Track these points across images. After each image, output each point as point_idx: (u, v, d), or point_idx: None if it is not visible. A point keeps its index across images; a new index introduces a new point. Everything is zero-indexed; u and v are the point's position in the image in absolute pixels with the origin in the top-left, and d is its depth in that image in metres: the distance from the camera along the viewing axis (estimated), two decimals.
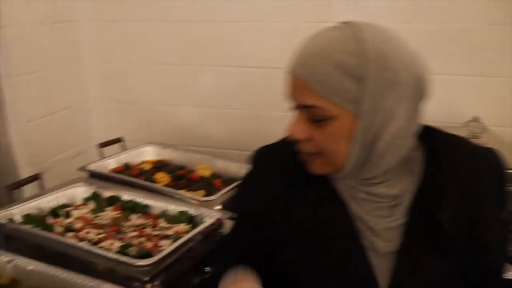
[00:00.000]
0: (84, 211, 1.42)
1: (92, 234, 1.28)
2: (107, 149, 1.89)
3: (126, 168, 1.74)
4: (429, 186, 0.81)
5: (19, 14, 1.88)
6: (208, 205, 1.44)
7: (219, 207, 1.43)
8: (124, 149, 1.92)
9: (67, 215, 1.39)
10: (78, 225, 1.33)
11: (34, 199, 1.42)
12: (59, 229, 1.30)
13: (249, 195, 0.93)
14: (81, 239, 1.25)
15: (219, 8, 2.07)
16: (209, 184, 1.62)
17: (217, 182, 1.64)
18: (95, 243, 1.23)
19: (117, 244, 1.21)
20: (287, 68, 0.79)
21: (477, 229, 0.80)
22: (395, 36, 0.77)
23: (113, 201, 1.46)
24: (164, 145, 1.92)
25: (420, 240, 0.80)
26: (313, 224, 0.83)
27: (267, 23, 2.05)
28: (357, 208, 0.82)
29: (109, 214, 1.40)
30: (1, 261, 1.12)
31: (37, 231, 1.25)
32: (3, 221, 1.28)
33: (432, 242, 0.79)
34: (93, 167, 1.67)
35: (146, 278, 1.05)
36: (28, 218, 1.34)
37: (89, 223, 1.34)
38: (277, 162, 0.90)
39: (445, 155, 0.84)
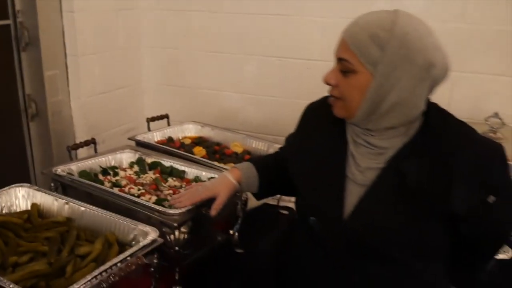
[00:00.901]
0: (129, 172, 1.63)
1: (135, 190, 1.48)
2: (154, 124, 2.10)
3: (169, 141, 1.94)
4: (410, 147, 1.01)
5: (89, 0, 2.10)
6: None
7: None
8: (169, 125, 2.13)
9: (115, 174, 1.61)
10: (123, 182, 1.54)
11: (89, 159, 1.64)
12: (107, 184, 1.52)
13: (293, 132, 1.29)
14: (125, 193, 1.45)
15: (265, 2, 2.22)
16: (239, 159, 1.79)
17: (247, 158, 1.81)
18: (137, 197, 1.43)
19: (154, 198, 1.41)
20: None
21: (442, 190, 0.96)
22: (426, 29, 0.98)
23: (154, 166, 1.66)
24: (204, 124, 2.11)
25: (388, 182, 1.01)
26: (319, 149, 1.13)
27: (309, 18, 2.18)
28: (353, 148, 1.07)
29: (150, 176, 1.60)
30: (59, 203, 1.34)
31: (90, 182, 1.47)
32: (63, 173, 1.50)
33: (397, 187, 0.99)
34: (140, 137, 1.89)
35: (175, 224, 1.24)
36: (83, 173, 1.56)
37: (133, 182, 1.55)
38: (317, 112, 1.22)
39: (436, 129, 1.01)
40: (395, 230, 1.00)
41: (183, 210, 1.26)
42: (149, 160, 1.70)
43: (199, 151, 1.83)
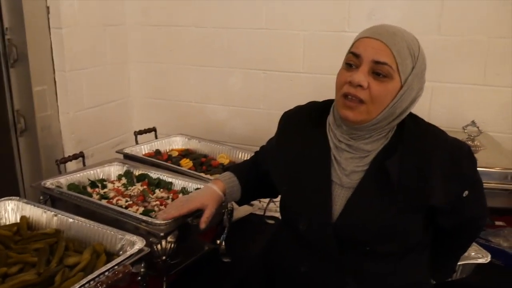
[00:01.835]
0: (117, 184, 1.66)
1: (122, 201, 1.51)
2: (142, 137, 2.13)
3: (157, 153, 1.98)
4: (390, 148, 1.08)
5: (76, 17, 2.15)
6: None
7: None
8: (157, 137, 2.17)
9: (103, 187, 1.64)
10: (112, 194, 1.57)
11: (77, 172, 1.67)
12: (96, 196, 1.55)
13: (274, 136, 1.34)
14: (113, 205, 1.49)
15: (249, 17, 2.29)
16: (225, 170, 1.82)
17: None
18: (124, 208, 1.46)
19: (141, 209, 1.44)
20: (366, 36, 1.06)
21: (422, 185, 1.05)
22: None
23: (142, 178, 1.70)
24: (191, 136, 2.15)
25: (373, 182, 1.07)
26: (301, 155, 1.16)
27: (291, 32, 2.25)
28: (336, 153, 1.12)
29: (138, 188, 1.63)
30: (48, 215, 1.37)
31: (78, 195, 1.50)
32: (52, 187, 1.53)
33: (382, 186, 1.06)
34: (128, 150, 1.92)
35: (162, 234, 1.27)
36: (72, 186, 1.59)
37: (121, 194, 1.58)
38: (294, 119, 1.27)
39: (411, 131, 1.10)
40: (382, 226, 1.07)
41: (170, 220, 1.30)
42: (136, 172, 1.73)
43: (186, 163, 1.87)
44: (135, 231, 1.30)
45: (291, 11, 2.21)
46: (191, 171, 1.76)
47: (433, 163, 1.05)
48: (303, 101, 1.31)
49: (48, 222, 1.36)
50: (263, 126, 2.38)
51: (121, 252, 1.21)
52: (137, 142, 2.06)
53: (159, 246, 1.29)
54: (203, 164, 1.90)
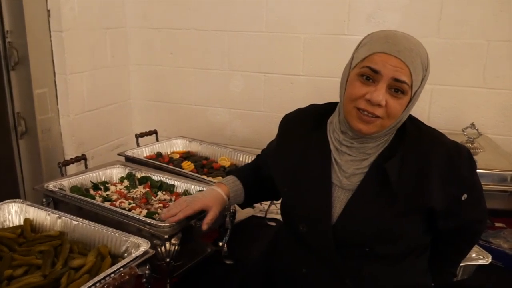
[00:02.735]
0: (119, 187, 1.67)
1: (125, 204, 1.52)
2: (143, 140, 2.14)
3: (158, 156, 1.99)
4: (390, 150, 1.09)
5: (77, 20, 2.16)
6: None
7: None
8: (158, 140, 2.17)
9: (106, 189, 1.64)
10: (114, 197, 1.57)
11: (79, 175, 1.68)
12: (98, 199, 1.55)
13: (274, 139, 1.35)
14: (116, 207, 1.49)
15: (249, 20, 2.31)
16: (227, 172, 1.83)
17: None
18: (128, 210, 1.46)
19: (145, 212, 1.45)
20: (384, 51, 1.02)
21: (421, 187, 1.05)
22: None
23: (144, 180, 1.70)
24: (192, 139, 2.16)
25: (373, 184, 1.08)
26: (303, 157, 1.17)
27: (291, 35, 2.27)
28: (336, 156, 1.13)
29: (140, 190, 1.64)
30: (52, 217, 1.37)
31: (81, 197, 1.50)
32: (55, 189, 1.53)
33: (381, 188, 1.07)
34: (129, 153, 1.93)
35: (166, 236, 1.28)
36: (74, 189, 1.59)
37: (123, 196, 1.59)
38: (294, 121, 1.27)
39: (412, 134, 1.11)
40: (381, 228, 1.08)
41: (175, 222, 1.30)
42: (139, 175, 1.74)
43: (188, 166, 1.87)
44: (139, 233, 1.30)
45: (291, 14, 2.23)
46: (193, 174, 1.77)
47: (432, 166, 1.06)
48: (303, 104, 1.32)
49: (52, 225, 1.37)
50: (264, 129, 2.39)
51: (125, 255, 1.22)
52: (138, 145, 2.06)
53: (163, 248, 1.30)
54: (204, 167, 1.91)
